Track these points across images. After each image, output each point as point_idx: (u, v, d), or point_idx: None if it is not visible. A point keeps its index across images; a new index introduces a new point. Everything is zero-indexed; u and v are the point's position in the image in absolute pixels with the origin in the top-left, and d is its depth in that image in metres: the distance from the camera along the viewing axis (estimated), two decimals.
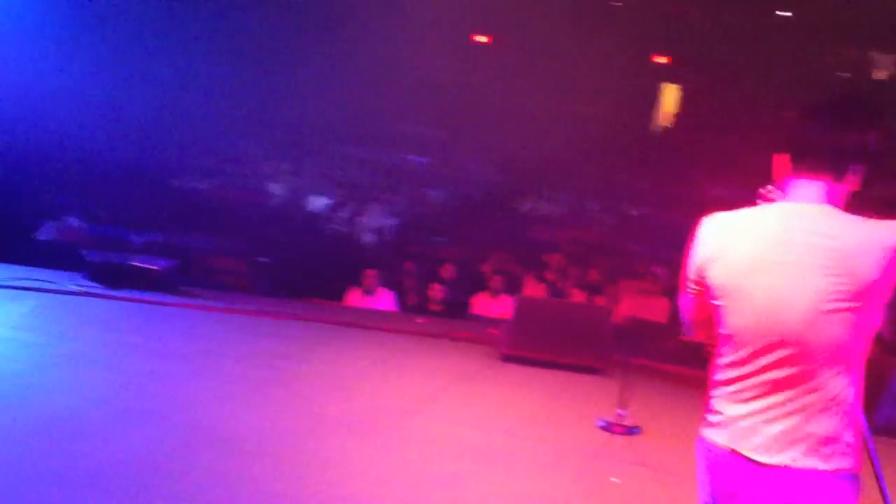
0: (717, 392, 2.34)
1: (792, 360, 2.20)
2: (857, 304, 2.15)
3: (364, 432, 5.08)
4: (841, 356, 2.20)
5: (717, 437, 2.31)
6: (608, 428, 5.54)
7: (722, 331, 2.32)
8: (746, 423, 2.25)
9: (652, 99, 24.45)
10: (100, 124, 13.75)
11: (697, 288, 2.38)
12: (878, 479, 2.40)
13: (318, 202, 14.61)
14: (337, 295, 9.69)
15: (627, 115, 22.64)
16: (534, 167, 16.93)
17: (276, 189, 15.61)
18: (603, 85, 21.14)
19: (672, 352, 7.74)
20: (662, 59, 21.72)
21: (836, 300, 2.15)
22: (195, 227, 11.92)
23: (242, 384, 5.80)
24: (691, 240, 2.38)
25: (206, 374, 6.01)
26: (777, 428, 2.21)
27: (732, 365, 2.30)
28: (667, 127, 24.71)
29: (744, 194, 2.54)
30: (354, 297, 9.51)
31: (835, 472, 2.19)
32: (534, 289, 10.36)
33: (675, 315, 9.66)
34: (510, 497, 4.39)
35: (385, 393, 5.90)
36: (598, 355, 6.87)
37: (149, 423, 4.87)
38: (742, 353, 2.27)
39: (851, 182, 2.30)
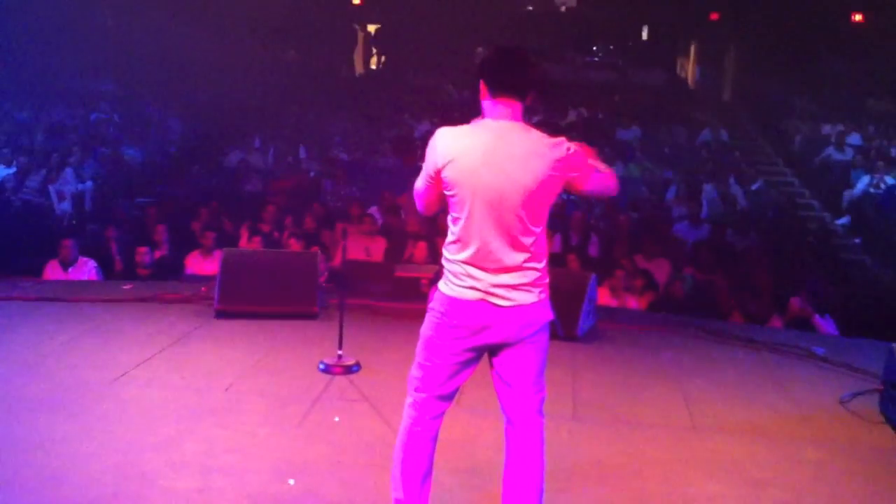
0: (453, 258, 3.19)
1: (502, 232, 3.10)
2: (538, 194, 3.08)
3: (72, 409, 4.79)
4: (534, 230, 3.12)
5: (467, 293, 3.14)
6: (328, 370, 5.60)
7: (454, 214, 3.18)
8: (488, 280, 3.12)
9: (352, 41, 24.60)
10: None
11: (432, 181, 3.21)
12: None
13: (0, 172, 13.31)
14: (35, 270, 8.97)
15: (328, 58, 22.61)
16: (236, 117, 16.48)
17: None
18: (301, 28, 20.93)
19: (388, 290, 7.94)
20: (357, 1, 21.82)
21: (527, 191, 3.07)
22: None
23: None
24: (406, 178, 3.05)
25: None
26: (503, 280, 3.12)
27: (461, 240, 3.16)
28: (369, 69, 25.01)
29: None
30: (53, 270, 8.85)
31: (537, 304, 3.18)
32: (250, 242, 10.18)
33: (389, 254, 9.93)
34: (234, 450, 4.34)
35: (93, 366, 5.56)
36: (312, 300, 6.89)
37: None
38: (468, 231, 3.13)
39: (531, 103, 3.23)
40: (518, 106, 3.17)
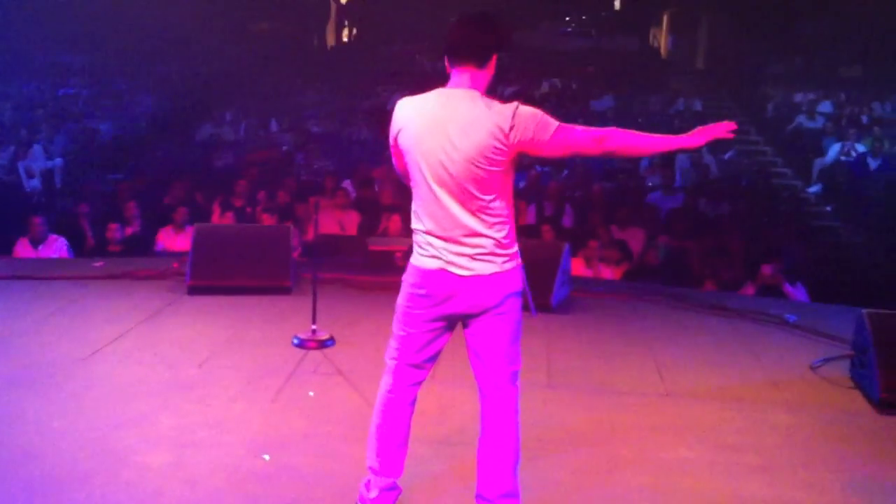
0: (415, 227, 3.20)
1: (453, 201, 3.08)
2: (482, 161, 3.02)
3: (44, 386, 4.75)
4: (484, 198, 3.07)
5: (429, 262, 3.15)
6: (302, 344, 5.59)
7: (411, 184, 3.19)
8: (445, 249, 3.11)
9: (324, 12, 24.35)
10: None
11: (393, 150, 3.24)
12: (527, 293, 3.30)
13: None
14: (5, 248, 8.86)
15: (300, 30, 22.36)
16: (207, 91, 16.29)
17: None
18: (274, 0, 20.66)
19: (360, 263, 7.92)
20: None
21: (469, 158, 3.02)
22: None
23: None
24: (381, 150, 3.26)
25: None
26: (461, 249, 3.10)
27: (418, 209, 3.17)
28: (341, 41, 24.78)
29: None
30: (23, 248, 8.74)
31: (499, 273, 3.13)
32: (222, 217, 10.11)
33: (363, 227, 9.90)
34: (207, 425, 4.32)
35: (63, 343, 5.51)
36: (285, 275, 6.85)
37: None
38: (421, 200, 3.14)
39: (489, 70, 3.16)
40: (475, 73, 3.11)
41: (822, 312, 7.02)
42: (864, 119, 15.21)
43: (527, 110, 3.03)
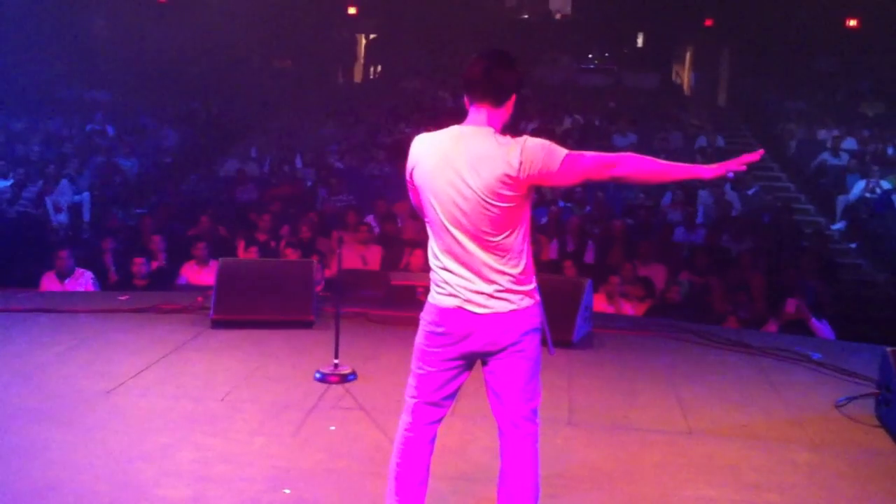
0: (432, 265, 3.18)
1: (466, 238, 3.07)
2: (493, 197, 3.01)
3: (67, 419, 4.79)
4: (499, 234, 3.06)
5: (446, 300, 3.14)
6: (324, 379, 5.60)
7: (426, 220, 3.18)
8: (462, 286, 3.10)
9: (347, 49, 24.65)
10: None
11: (410, 186, 3.23)
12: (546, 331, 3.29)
13: None
14: (32, 281, 8.96)
15: (325, 66, 22.63)
16: (231, 126, 16.49)
17: None
18: (296, 37, 20.93)
19: (383, 298, 7.94)
20: (353, 10, 21.87)
21: (479, 194, 3.02)
22: None
23: None
24: (402, 185, 3.30)
25: None
26: (478, 287, 3.09)
27: (434, 247, 3.17)
28: (366, 77, 25.05)
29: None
30: (50, 282, 8.84)
31: (516, 311, 3.12)
32: (246, 251, 10.18)
33: (386, 262, 9.94)
34: (228, 457, 4.34)
35: (87, 376, 5.56)
36: (308, 309, 6.89)
37: None
38: (436, 237, 3.14)
39: (507, 108, 3.15)
40: (492, 111, 3.10)
41: (845, 349, 6.95)
42: (890, 151, 15.12)
43: (534, 142, 3.02)
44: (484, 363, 3.23)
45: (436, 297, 3.19)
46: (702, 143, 16.84)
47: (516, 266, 3.12)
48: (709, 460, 4.61)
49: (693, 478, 4.36)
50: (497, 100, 3.11)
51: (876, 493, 4.29)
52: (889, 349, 5.19)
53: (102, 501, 3.82)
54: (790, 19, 18.42)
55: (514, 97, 3.14)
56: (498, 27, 21.25)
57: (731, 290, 8.86)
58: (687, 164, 3.21)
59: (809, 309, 7.81)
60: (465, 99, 3.17)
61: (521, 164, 2.99)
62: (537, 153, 3.00)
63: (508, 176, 2.99)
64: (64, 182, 13.24)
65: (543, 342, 3.26)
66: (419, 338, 3.27)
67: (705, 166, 3.19)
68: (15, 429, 4.62)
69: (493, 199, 3.02)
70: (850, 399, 5.56)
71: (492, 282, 3.09)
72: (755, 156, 3.18)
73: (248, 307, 6.82)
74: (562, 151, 3.03)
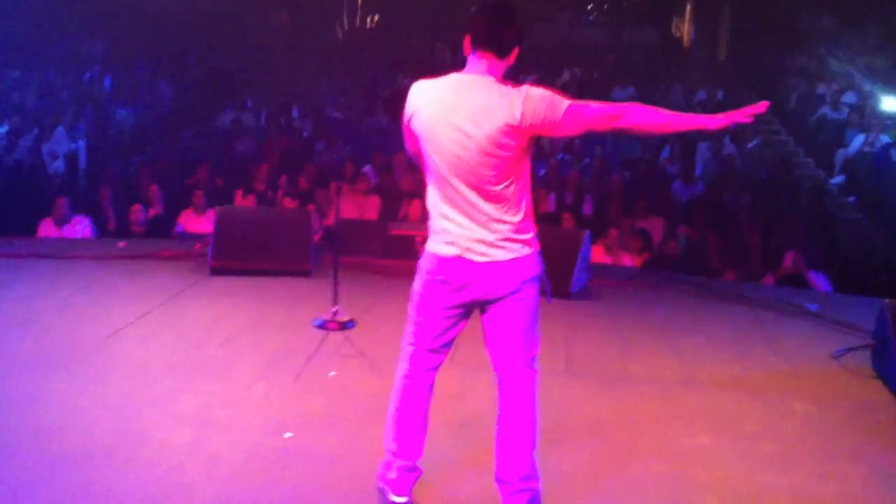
0: (431, 213, 3.16)
1: (466, 186, 3.05)
2: (493, 146, 2.98)
3: (67, 366, 4.80)
4: (499, 183, 3.04)
5: (446, 249, 3.11)
6: (324, 326, 5.63)
7: (425, 168, 3.16)
8: (462, 235, 3.08)
9: (347, 2, 24.32)
10: None
11: (407, 133, 3.19)
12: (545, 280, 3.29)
13: None
14: (29, 230, 8.95)
15: (320, 17, 22.36)
16: (228, 79, 16.33)
17: None
18: None
19: (381, 247, 7.95)
20: None
21: (479, 143, 2.98)
22: None
23: None
24: (400, 136, 3.27)
25: None
26: (478, 235, 3.08)
27: (433, 195, 3.14)
28: (362, 27, 24.75)
29: None
30: (47, 228, 8.83)
31: (516, 259, 3.11)
32: (244, 200, 10.14)
33: (384, 212, 9.92)
34: (229, 404, 4.36)
35: (87, 323, 5.57)
36: (306, 258, 6.89)
37: None
38: (436, 185, 3.11)
39: (509, 60, 3.11)
40: (495, 62, 3.07)
41: (843, 302, 6.99)
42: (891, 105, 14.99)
43: (537, 92, 2.99)
44: (483, 311, 3.23)
45: (435, 246, 3.17)
46: (702, 97, 16.74)
47: (516, 215, 3.10)
48: (706, 410, 4.64)
49: (689, 428, 4.39)
50: (501, 51, 3.07)
51: (871, 444, 4.32)
52: (886, 301, 5.22)
53: (104, 446, 3.84)
54: None
55: (517, 50, 3.11)
56: None
57: (729, 245, 8.87)
58: (692, 115, 3.19)
59: (807, 262, 7.82)
60: (466, 46, 3.11)
61: (523, 114, 2.96)
62: (540, 103, 2.97)
63: (510, 126, 2.96)
64: (60, 130, 13.12)
65: (542, 292, 3.25)
66: (417, 286, 3.26)
67: (711, 116, 3.18)
68: (16, 376, 4.63)
69: (494, 150, 2.99)
70: (847, 350, 5.59)
71: (492, 230, 3.08)
72: (760, 107, 3.16)
73: (246, 255, 6.82)
74: (565, 102, 3.00)
